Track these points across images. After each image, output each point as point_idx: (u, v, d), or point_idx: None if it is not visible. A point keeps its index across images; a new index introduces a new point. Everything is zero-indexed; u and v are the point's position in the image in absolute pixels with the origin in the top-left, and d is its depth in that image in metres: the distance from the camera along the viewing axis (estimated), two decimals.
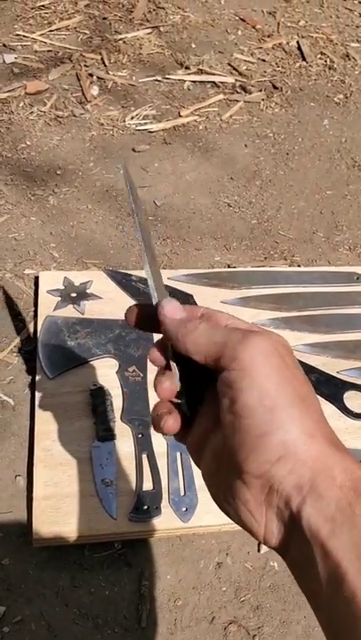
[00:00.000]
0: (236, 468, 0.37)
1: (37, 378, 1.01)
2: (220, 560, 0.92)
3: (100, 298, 1.13)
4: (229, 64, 1.73)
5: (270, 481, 0.36)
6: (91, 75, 1.62)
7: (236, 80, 1.69)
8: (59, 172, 1.40)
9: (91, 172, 1.41)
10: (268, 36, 1.85)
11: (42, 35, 1.70)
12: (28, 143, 1.44)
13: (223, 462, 0.39)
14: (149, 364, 1.06)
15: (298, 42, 1.85)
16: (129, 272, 1.19)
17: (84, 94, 1.57)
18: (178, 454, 0.95)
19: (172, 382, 0.41)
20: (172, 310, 0.42)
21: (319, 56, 1.82)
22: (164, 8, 1.86)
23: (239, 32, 1.85)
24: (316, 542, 0.34)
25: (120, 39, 1.74)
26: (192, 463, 0.93)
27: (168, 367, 0.42)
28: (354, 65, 1.81)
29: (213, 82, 1.67)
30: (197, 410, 0.43)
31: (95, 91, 1.59)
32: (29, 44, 1.68)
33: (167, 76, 1.66)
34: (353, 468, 0.35)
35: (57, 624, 0.84)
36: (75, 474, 0.92)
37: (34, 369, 1.03)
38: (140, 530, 0.89)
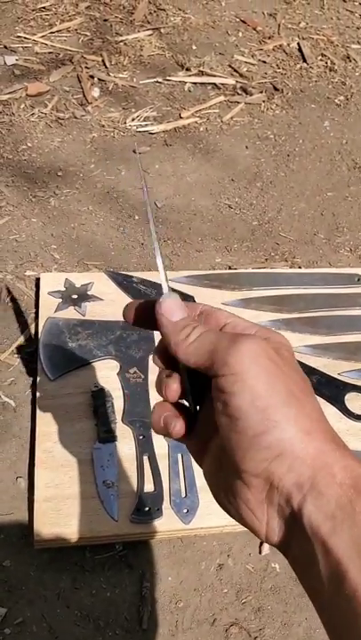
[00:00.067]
0: (234, 468, 0.37)
1: (38, 379, 1.01)
2: (222, 562, 0.92)
3: (101, 299, 1.13)
4: (230, 66, 1.74)
5: (270, 478, 0.36)
6: (92, 76, 1.62)
7: (237, 82, 1.69)
8: (60, 174, 1.40)
9: (92, 174, 1.41)
10: (269, 38, 1.85)
11: (43, 36, 1.71)
12: (29, 145, 1.44)
13: (223, 462, 0.39)
14: (150, 366, 1.06)
15: (298, 43, 1.85)
16: (130, 273, 1.19)
17: (84, 96, 1.57)
18: (179, 456, 0.95)
19: (179, 384, 0.41)
20: (169, 309, 0.41)
21: (320, 58, 1.82)
22: (164, 10, 1.86)
23: (240, 34, 1.85)
24: (317, 540, 0.34)
25: (121, 41, 1.74)
26: (193, 464, 0.93)
27: (172, 368, 0.42)
28: (355, 66, 1.81)
29: (214, 83, 1.67)
30: (199, 410, 0.43)
31: (96, 92, 1.59)
32: (30, 45, 1.68)
33: (168, 78, 1.66)
34: (353, 465, 0.36)
35: (58, 626, 0.84)
36: (76, 475, 0.92)
37: (35, 370, 1.03)
38: (142, 531, 0.89)
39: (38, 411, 0.98)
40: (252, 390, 0.36)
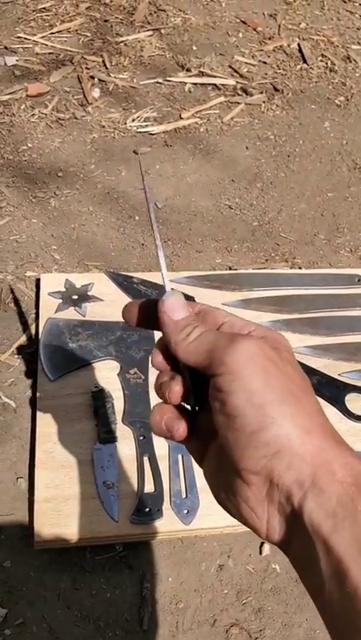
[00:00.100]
0: (234, 467, 0.37)
1: (39, 380, 1.01)
2: (222, 562, 0.92)
3: (102, 300, 1.13)
4: (230, 66, 1.74)
5: (270, 476, 0.36)
6: (92, 77, 1.62)
7: (238, 82, 1.69)
8: (60, 175, 1.40)
9: (92, 175, 1.41)
10: (269, 39, 1.85)
11: (43, 37, 1.71)
12: (30, 145, 1.44)
13: (223, 462, 0.39)
14: (151, 366, 1.06)
15: (299, 44, 1.85)
16: (130, 274, 1.19)
17: (85, 96, 1.57)
18: (179, 456, 0.95)
19: (182, 386, 0.41)
20: (171, 308, 0.41)
21: (320, 58, 1.82)
22: (165, 10, 1.86)
23: (240, 34, 1.85)
24: (319, 538, 0.34)
25: (121, 41, 1.74)
26: (194, 465, 0.93)
27: (172, 368, 0.42)
28: (355, 67, 1.81)
29: (214, 84, 1.67)
30: (198, 411, 0.43)
31: (96, 93, 1.59)
32: (31, 46, 1.68)
33: (168, 79, 1.66)
34: (353, 462, 0.36)
35: (58, 626, 0.84)
36: (76, 476, 0.92)
37: (35, 371, 1.03)
38: (142, 532, 0.89)
39: (38, 411, 0.98)
40: (248, 388, 0.36)
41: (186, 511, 0.91)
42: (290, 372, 0.38)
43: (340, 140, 1.60)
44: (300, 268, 1.31)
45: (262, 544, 0.93)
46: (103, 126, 1.51)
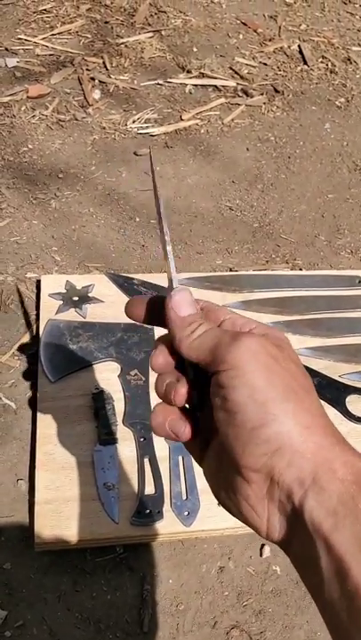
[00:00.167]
0: (234, 465, 0.37)
1: (39, 381, 1.01)
2: (223, 564, 0.92)
3: (102, 301, 1.13)
4: (231, 68, 1.74)
5: (270, 473, 0.36)
6: (92, 78, 1.63)
7: (238, 84, 1.69)
8: (60, 176, 1.40)
9: (93, 176, 1.41)
10: (270, 40, 1.85)
11: (44, 39, 1.71)
12: (30, 147, 1.45)
13: (223, 460, 0.39)
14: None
15: (299, 45, 1.85)
16: (131, 275, 1.19)
17: (85, 98, 1.57)
18: (180, 458, 0.95)
19: (188, 388, 0.41)
20: (178, 304, 0.41)
21: (320, 60, 1.82)
22: (165, 12, 1.87)
23: (241, 36, 1.85)
24: (319, 536, 0.33)
25: (122, 43, 1.74)
26: (194, 466, 0.93)
27: (178, 368, 0.42)
28: (355, 69, 1.81)
29: (215, 85, 1.67)
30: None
31: (97, 94, 1.59)
32: (31, 47, 1.68)
33: (169, 80, 1.66)
34: (354, 460, 0.35)
35: (59, 628, 0.84)
36: (76, 478, 0.92)
37: (35, 372, 1.03)
38: (142, 534, 0.89)
39: (39, 413, 0.97)
40: (250, 384, 0.36)
41: (186, 513, 0.90)
42: (292, 369, 0.38)
43: (341, 142, 1.60)
44: (300, 270, 1.31)
45: (263, 546, 0.93)
46: (104, 128, 1.51)
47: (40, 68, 1.62)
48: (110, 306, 1.12)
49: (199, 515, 0.91)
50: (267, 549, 0.93)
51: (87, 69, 1.64)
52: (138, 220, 1.34)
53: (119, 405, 1.00)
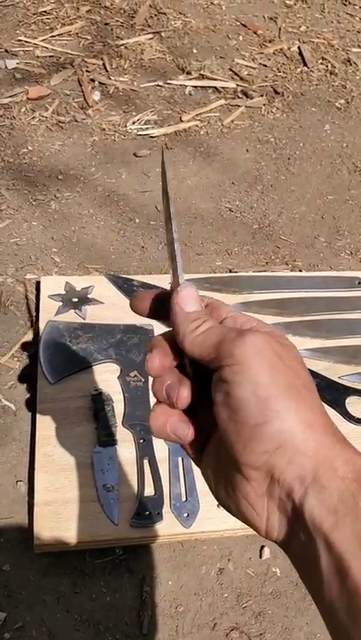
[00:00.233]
0: (234, 462, 0.37)
1: (39, 383, 1.01)
2: (222, 566, 0.92)
3: (102, 303, 1.13)
4: (231, 69, 1.74)
5: (271, 471, 0.35)
6: (92, 80, 1.63)
7: (238, 85, 1.69)
8: (60, 177, 1.40)
9: (92, 177, 1.41)
10: (270, 42, 1.86)
11: (44, 40, 1.71)
12: (30, 148, 1.45)
13: (222, 458, 0.39)
14: None
15: (299, 47, 1.85)
16: (130, 277, 1.19)
17: (85, 99, 1.57)
18: (179, 459, 0.95)
19: (190, 391, 0.41)
20: (184, 300, 0.41)
21: (320, 61, 1.82)
22: (165, 13, 1.87)
23: (240, 37, 1.85)
24: (319, 535, 0.33)
25: (122, 44, 1.74)
26: (194, 468, 0.93)
27: (178, 368, 0.42)
28: (355, 70, 1.82)
29: (215, 87, 1.68)
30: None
31: (97, 96, 1.59)
32: (31, 49, 1.68)
33: (169, 82, 1.66)
34: (355, 458, 0.35)
35: (58, 630, 0.84)
36: (76, 479, 0.91)
37: (35, 374, 1.03)
38: (142, 535, 0.89)
39: (38, 414, 0.97)
40: (254, 380, 0.36)
41: (186, 514, 0.90)
42: (296, 367, 0.38)
43: (341, 143, 1.60)
44: (300, 271, 1.31)
45: (262, 548, 0.93)
46: (103, 129, 1.51)
47: (40, 70, 1.62)
48: (110, 307, 1.12)
49: (199, 516, 0.90)
50: (266, 551, 0.93)
51: (87, 71, 1.64)
52: (137, 221, 1.34)
53: (119, 407, 0.99)
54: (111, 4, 1.86)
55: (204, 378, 0.41)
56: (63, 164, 1.43)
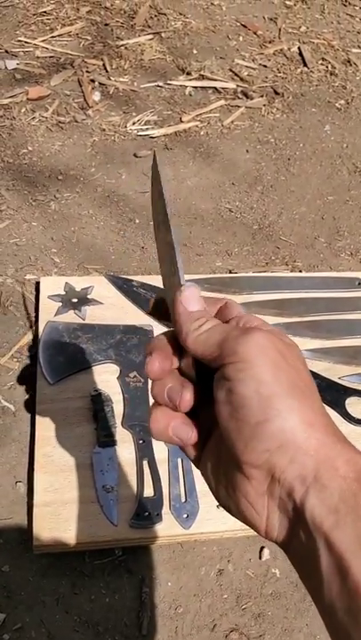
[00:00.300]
0: (235, 461, 0.37)
1: (38, 383, 1.01)
2: (222, 567, 0.91)
3: (102, 303, 1.13)
4: (231, 70, 1.74)
5: (271, 470, 0.35)
6: (92, 80, 1.63)
7: (238, 86, 1.69)
8: (60, 178, 1.40)
9: (92, 178, 1.41)
10: (270, 42, 1.86)
11: (44, 41, 1.71)
12: (30, 149, 1.45)
13: (222, 457, 0.39)
14: None
15: (299, 48, 1.85)
16: (130, 277, 1.18)
17: (85, 100, 1.57)
18: (179, 460, 0.95)
19: (193, 393, 0.41)
20: (187, 299, 0.41)
21: (320, 62, 1.82)
22: (165, 14, 1.87)
23: (240, 38, 1.85)
24: (320, 534, 0.33)
25: (122, 45, 1.74)
26: (193, 469, 0.93)
27: (181, 374, 0.42)
28: (355, 71, 1.82)
29: (215, 87, 1.68)
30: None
31: (97, 96, 1.59)
32: (31, 49, 1.68)
33: (169, 82, 1.66)
34: (356, 458, 0.35)
35: (57, 631, 0.83)
36: (75, 480, 0.91)
37: (34, 374, 1.03)
38: (141, 536, 0.89)
39: (38, 415, 0.97)
40: (257, 378, 0.36)
41: (185, 515, 0.90)
42: (298, 367, 0.38)
43: (341, 144, 1.60)
44: (300, 272, 1.31)
45: (262, 549, 0.93)
46: (103, 129, 1.51)
47: (40, 70, 1.62)
48: (109, 308, 1.12)
49: (198, 517, 0.90)
50: (266, 552, 0.93)
51: (87, 71, 1.64)
52: (137, 221, 1.34)
53: (118, 407, 0.99)
54: (111, 5, 1.86)
55: (205, 378, 0.41)
56: (63, 165, 1.42)
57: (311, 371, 1.15)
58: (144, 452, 0.95)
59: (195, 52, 1.77)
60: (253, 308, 1.17)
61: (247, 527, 0.38)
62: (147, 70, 1.69)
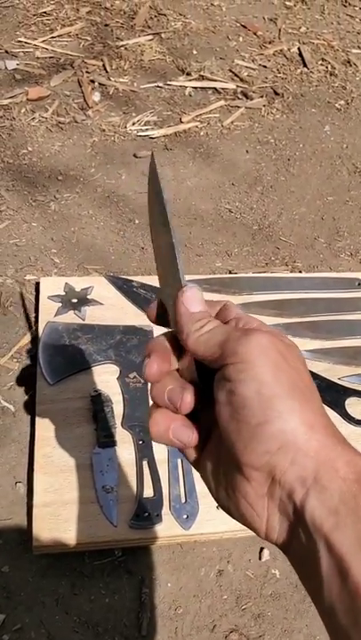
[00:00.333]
0: (235, 462, 0.37)
1: (38, 384, 1.01)
2: (222, 568, 0.91)
3: (101, 304, 1.13)
4: (231, 70, 1.74)
5: (272, 472, 0.35)
6: (92, 81, 1.63)
7: (238, 86, 1.69)
8: (60, 178, 1.40)
9: (92, 178, 1.41)
10: (270, 43, 1.86)
11: (44, 41, 1.71)
12: (30, 149, 1.45)
13: (222, 458, 0.39)
14: None
15: (299, 48, 1.85)
16: (130, 278, 1.18)
17: (85, 100, 1.57)
18: (179, 461, 0.95)
19: (193, 395, 0.41)
20: (189, 300, 0.41)
21: (320, 62, 1.82)
22: (165, 15, 1.87)
23: (240, 38, 1.85)
24: (320, 535, 0.33)
25: (122, 45, 1.74)
26: (193, 470, 0.93)
27: (180, 370, 0.42)
28: (355, 71, 1.82)
29: (215, 88, 1.68)
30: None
31: (97, 97, 1.59)
32: (31, 50, 1.68)
33: (168, 83, 1.66)
34: (356, 460, 0.35)
35: (57, 632, 0.83)
36: (75, 480, 0.91)
37: (34, 375, 1.03)
38: (141, 537, 0.89)
39: (37, 415, 0.97)
40: (258, 379, 0.36)
41: (185, 516, 0.90)
42: (299, 368, 0.38)
43: (341, 144, 1.60)
44: (300, 272, 1.31)
45: (262, 549, 0.93)
46: (103, 130, 1.51)
47: (40, 71, 1.62)
48: (109, 308, 1.12)
49: (198, 518, 0.90)
50: (266, 553, 0.93)
51: (87, 72, 1.64)
52: (137, 222, 1.34)
53: (118, 408, 0.99)
54: (111, 6, 1.86)
55: (204, 379, 0.40)
56: (63, 165, 1.42)
57: (311, 371, 1.15)
58: (144, 452, 0.95)
59: (195, 52, 1.77)
60: (253, 308, 1.17)
61: (247, 528, 0.38)
62: (147, 71, 1.69)
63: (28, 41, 1.70)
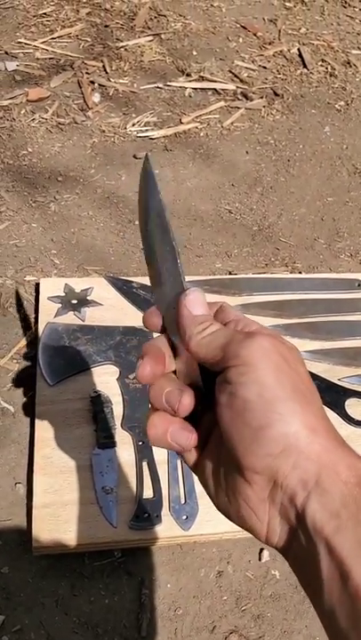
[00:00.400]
0: (236, 465, 0.36)
1: (38, 385, 1.01)
2: (221, 569, 0.91)
3: (101, 304, 1.13)
4: (230, 71, 1.74)
5: (274, 476, 0.35)
6: (92, 82, 1.63)
7: (238, 87, 1.69)
8: (60, 179, 1.40)
9: (92, 179, 1.41)
10: (270, 44, 1.86)
11: (44, 42, 1.71)
12: (30, 150, 1.45)
13: (223, 462, 0.39)
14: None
15: (299, 49, 1.85)
16: (130, 279, 1.18)
17: (85, 101, 1.57)
18: (178, 462, 0.95)
19: (192, 397, 0.41)
20: (191, 303, 0.41)
21: (320, 63, 1.82)
22: (165, 16, 1.87)
23: (240, 39, 1.85)
24: (321, 539, 0.33)
25: (121, 46, 1.74)
26: None
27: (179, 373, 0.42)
28: (355, 72, 1.82)
29: (214, 89, 1.68)
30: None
31: (97, 98, 1.59)
32: (31, 51, 1.68)
33: (168, 83, 1.66)
34: (357, 464, 0.35)
35: (56, 633, 0.83)
36: (75, 481, 0.91)
37: (34, 376, 1.03)
38: (141, 538, 0.89)
39: (37, 416, 0.97)
40: (260, 382, 0.36)
41: (185, 517, 0.90)
42: (300, 370, 0.38)
43: (341, 145, 1.60)
44: (300, 273, 1.31)
45: (262, 550, 0.93)
46: (103, 131, 1.51)
47: (40, 72, 1.63)
48: (109, 309, 1.12)
49: (198, 519, 0.90)
50: (266, 554, 0.93)
51: (87, 73, 1.65)
52: (137, 223, 1.34)
53: (118, 409, 0.99)
54: (111, 7, 1.86)
55: (204, 382, 0.40)
56: (63, 166, 1.43)
57: (311, 372, 1.14)
58: (143, 453, 0.95)
59: (194, 53, 1.77)
60: (253, 309, 1.17)
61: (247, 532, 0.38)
62: (146, 72, 1.69)
63: (28, 42, 1.70)
